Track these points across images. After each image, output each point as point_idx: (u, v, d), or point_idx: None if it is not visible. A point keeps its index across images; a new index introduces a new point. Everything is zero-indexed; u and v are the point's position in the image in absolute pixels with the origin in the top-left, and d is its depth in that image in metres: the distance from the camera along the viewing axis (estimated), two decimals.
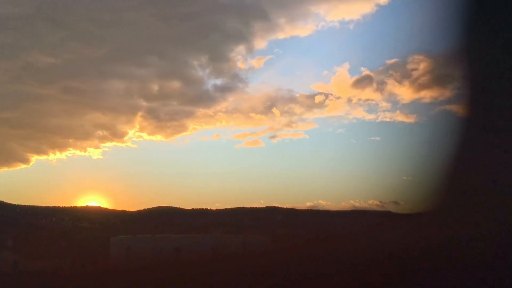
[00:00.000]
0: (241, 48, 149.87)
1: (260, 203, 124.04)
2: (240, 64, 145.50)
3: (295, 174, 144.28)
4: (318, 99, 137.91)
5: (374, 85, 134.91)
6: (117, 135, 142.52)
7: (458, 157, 18.50)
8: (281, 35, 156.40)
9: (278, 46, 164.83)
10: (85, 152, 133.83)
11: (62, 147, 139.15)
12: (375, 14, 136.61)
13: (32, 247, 60.33)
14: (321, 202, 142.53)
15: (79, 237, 71.64)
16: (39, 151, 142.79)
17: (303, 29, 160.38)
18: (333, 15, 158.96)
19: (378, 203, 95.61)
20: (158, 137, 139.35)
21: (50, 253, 55.15)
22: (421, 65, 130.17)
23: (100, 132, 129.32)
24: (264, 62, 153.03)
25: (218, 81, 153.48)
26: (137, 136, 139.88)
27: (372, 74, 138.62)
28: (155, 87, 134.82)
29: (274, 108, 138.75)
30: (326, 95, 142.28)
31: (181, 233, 67.02)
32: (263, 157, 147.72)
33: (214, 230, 76.37)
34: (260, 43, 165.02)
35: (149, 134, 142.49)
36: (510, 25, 16.93)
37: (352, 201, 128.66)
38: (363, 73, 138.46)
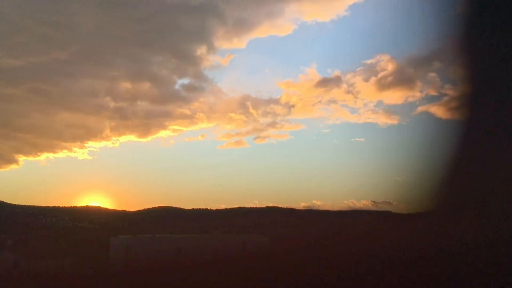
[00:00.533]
0: (211, 47, 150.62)
1: (255, 203, 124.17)
2: (207, 62, 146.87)
3: (285, 175, 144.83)
4: (287, 99, 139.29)
5: (344, 86, 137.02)
6: (96, 136, 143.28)
7: (455, 158, 18.46)
8: (259, 34, 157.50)
9: (256, 45, 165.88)
10: (70, 151, 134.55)
11: (44, 147, 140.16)
12: (351, 15, 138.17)
13: (32, 247, 60.31)
14: (316, 202, 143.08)
15: (79, 237, 71.59)
16: (21, 151, 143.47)
17: (282, 29, 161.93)
18: (310, 15, 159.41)
19: (372, 203, 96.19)
20: (131, 137, 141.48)
21: (50, 253, 55.11)
22: (389, 66, 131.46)
23: (79, 132, 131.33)
24: (239, 61, 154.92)
25: (190, 81, 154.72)
26: (116, 135, 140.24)
27: (349, 75, 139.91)
28: (125, 88, 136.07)
29: (251, 107, 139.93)
30: (296, 95, 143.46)
31: (181, 233, 66.99)
32: (250, 158, 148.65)
33: (214, 230, 76.33)
34: (236, 43, 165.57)
35: (127, 134, 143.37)
36: (508, 25, 16.89)
37: (345, 201, 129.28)
38: (336, 74, 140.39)
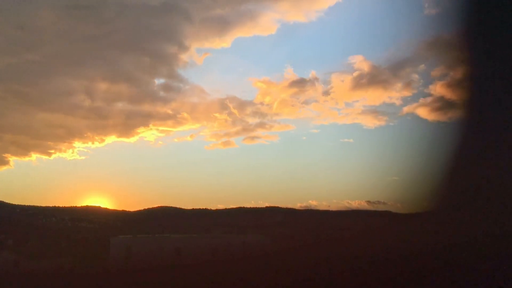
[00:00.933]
0: (190, 47, 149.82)
1: (251, 204, 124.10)
2: (187, 62, 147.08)
3: (279, 175, 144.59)
4: (262, 98, 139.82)
5: (324, 86, 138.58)
6: (80, 136, 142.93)
7: (453, 158, 18.44)
8: (243, 34, 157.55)
9: (240, 45, 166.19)
10: (60, 152, 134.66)
11: (31, 147, 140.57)
12: (330, 16, 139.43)
13: (32, 247, 60.27)
14: (312, 202, 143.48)
15: (79, 237, 71.53)
16: (7, 151, 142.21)
17: (265, 28, 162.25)
18: (291, 16, 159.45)
19: (367, 203, 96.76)
20: (116, 138, 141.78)
21: (50, 253, 55.07)
22: (366, 67, 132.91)
23: (63, 133, 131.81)
24: (222, 61, 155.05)
25: (170, 81, 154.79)
26: (96, 135, 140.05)
27: (332, 75, 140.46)
28: (102, 88, 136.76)
29: (232, 107, 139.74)
30: (271, 94, 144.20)
31: (181, 233, 67.00)
32: (242, 158, 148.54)
33: (214, 230, 76.30)
34: (219, 42, 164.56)
35: (108, 134, 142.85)
36: (508, 25, 16.86)
37: (341, 201, 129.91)
38: (315, 75, 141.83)
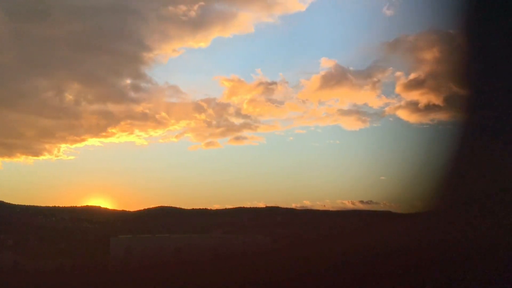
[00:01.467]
0: (167, 47, 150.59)
1: (247, 204, 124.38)
2: (155, 63, 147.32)
3: (269, 175, 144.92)
4: (228, 98, 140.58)
5: (295, 87, 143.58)
6: (63, 138, 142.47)
7: (453, 160, 18.51)
8: (222, 34, 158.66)
9: (219, 45, 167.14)
10: (46, 152, 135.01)
11: (18, 148, 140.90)
12: (304, 17, 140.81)
13: (32, 247, 60.40)
14: (305, 202, 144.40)
15: (79, 237, 71.62)
16: None
17: (243, 28, 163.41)
18: (267, 17, 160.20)
19: (360, 202, 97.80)
20: (100, 139, 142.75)
21: (50, 253, 55.16)
22: (335, 68, 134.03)
23: (43, 134, 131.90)
24: (200, 61, 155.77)
25: (146, 82, 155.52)
26: (75, 135, 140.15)
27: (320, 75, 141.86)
28: (75, 89, 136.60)
29: (206, 106, 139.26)
30: (239, 95, 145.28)
31: (181, 233, 67.06)
32: (230, 159, 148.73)
33: (214, 230, 76.35)
34: (194, 43, 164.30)
35: (87, 135, 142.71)
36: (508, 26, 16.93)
37: (334, 201, 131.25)
38: (285, 77, 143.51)
